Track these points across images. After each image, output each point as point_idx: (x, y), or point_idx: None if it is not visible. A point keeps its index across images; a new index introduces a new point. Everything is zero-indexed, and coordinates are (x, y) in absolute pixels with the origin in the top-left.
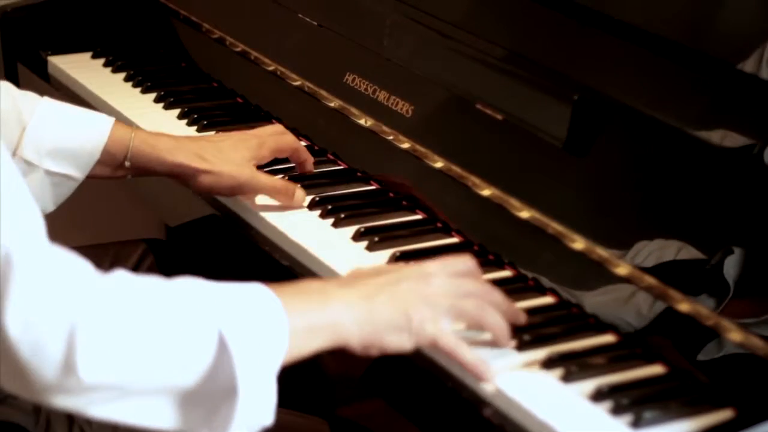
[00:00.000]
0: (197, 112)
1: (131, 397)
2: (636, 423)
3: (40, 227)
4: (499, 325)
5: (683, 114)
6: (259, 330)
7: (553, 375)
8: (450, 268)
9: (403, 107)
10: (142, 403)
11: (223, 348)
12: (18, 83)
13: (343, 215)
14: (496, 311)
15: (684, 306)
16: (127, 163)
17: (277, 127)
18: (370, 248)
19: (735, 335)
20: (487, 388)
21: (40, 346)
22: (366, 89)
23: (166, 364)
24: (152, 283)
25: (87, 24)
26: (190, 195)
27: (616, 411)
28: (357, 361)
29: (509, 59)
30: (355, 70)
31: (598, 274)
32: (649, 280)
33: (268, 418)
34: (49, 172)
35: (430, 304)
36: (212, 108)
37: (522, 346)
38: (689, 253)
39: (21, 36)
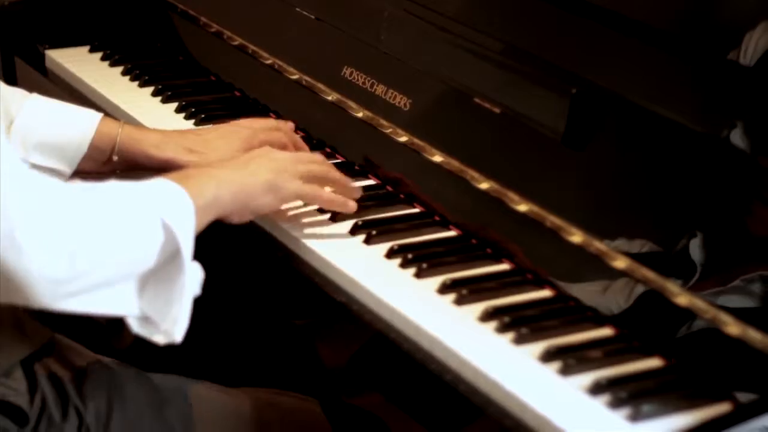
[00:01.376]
0: (195, 105)
1: (109, 288)
2: (634, 416)
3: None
4: (341, 182)
5: (681, 107)
6: (181, 212)
7: (551, 368)
8: (264, 123)
9: (401, 101)
10: (116, 293)
11: (167, 229)
12: (16, 77)
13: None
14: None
15: (682, 299)
16: (114, 158)
17: (269, 122)
18: (367, 241)
19: (733, 329)
20: (482, 380)
21: (43, 257)
22: (364, 83)
23: (134, 250)
24: (98, 187)
25: (85, 18)
26: None
27: (614, 404)
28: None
29: (507, 53)
30: (352, 64)
31: (596, 268)
32: (647, 273)
33: (199, 287)
34: (36, 166)
35: (285, 169)
36: (210, 101)
37: (520, 340)
38: (686, 243)
39: (19, 30)
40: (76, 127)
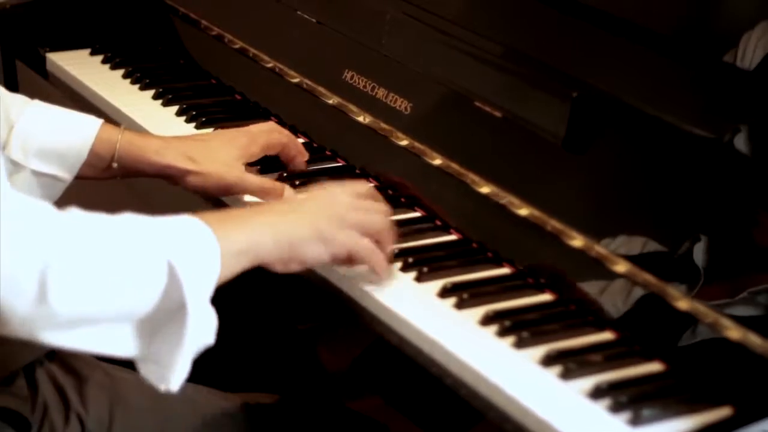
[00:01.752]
0: (196, 109)
1: (99, 326)
2: (634, 420)
3: (3, 178)
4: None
5: (682, 111)
6: (197, 256)
7: (552, 372)
8: (351, 188)
9: (402, 104)
10: (108, 333)
11: (173, 274)
12: (16, 80)
13: None
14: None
15: (683, 304)
16: (114, 165)
17: (269, 125)
18: None
19: (733, 333)
20: (483, 386)
21: (15, 284)
22: (364, 86)
23: (127, 292)
24: (104, 219)
25: (86, 21)
26: (184, 196)
27: (615, 408)
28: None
29: (508, 56)
30: (353, 67)
31: (597, 272)
32: (647, 277)
33: (211, 336)
34: (35, 173)
35: (339, 217)
36: (211, 105)
37: (520, 344)
38: (689, 248)
39: (19, 33)
40: (77, 133)
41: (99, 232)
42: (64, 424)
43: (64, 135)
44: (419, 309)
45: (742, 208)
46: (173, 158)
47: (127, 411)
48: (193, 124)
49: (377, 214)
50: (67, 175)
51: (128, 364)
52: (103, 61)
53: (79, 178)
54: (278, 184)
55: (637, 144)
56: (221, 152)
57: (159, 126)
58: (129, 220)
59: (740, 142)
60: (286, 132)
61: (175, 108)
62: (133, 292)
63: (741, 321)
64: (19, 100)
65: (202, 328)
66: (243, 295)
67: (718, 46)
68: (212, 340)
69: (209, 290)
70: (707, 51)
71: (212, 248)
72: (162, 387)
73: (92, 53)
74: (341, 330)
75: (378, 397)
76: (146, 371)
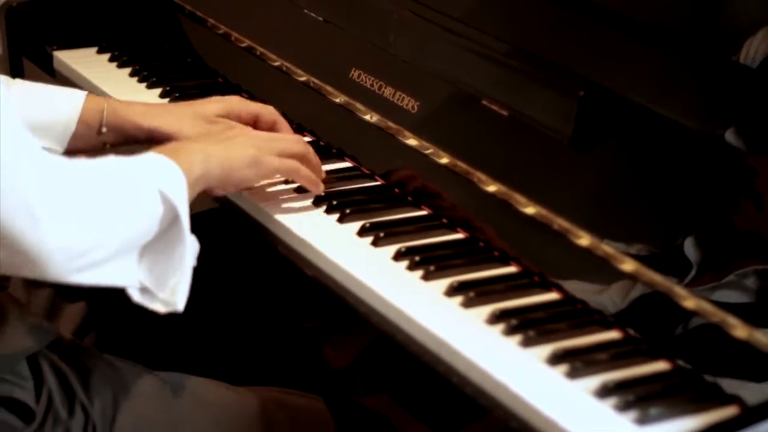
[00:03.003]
0: None
1: (109, 262)
2: (641, 419)
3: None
4: (315, 163)
5: (689, 111)
6: (176, 184)
7: (559, 371)
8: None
9: (409, 103)
10: (119, 265)
11: (165, 200)
12: (23, 78)
13: (348, 210)
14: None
15: (689, 302)
16: (103, 129)
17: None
18: (375, 243)
19: (740, 332)
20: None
21: (60, 226)
22: (372, 85)
23: (129, 222)
24: (88, 161)
25: (93, 19)
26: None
27: (622, 407)
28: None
29: (515, 55)
30: (360, 66)
31: (604, 270)
32: (654, 275)
33: (195, 256)
34: None
35: (265, 146)
36: None
37: (527, 342)
38: (697, 246)
39: (26, 30)
40: (63, 105)
41: (103, 175)
42: (68, 415)
43: (51, 108)
44: (426, 307)
45: (730, 197)
46: (160, 121)
47: (131, 402)
48: None
49: (293, 141)
50: (58, 147)
51: (133, 355)
52: (110, 60)
53: (71, 151)
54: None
55: (644, 143)
56: (180, 110)
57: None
58: (115, 161)
59: (737, 137)
60: (243, 103)
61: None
62: (141, 222)
63: (733, 308)
64: (2, 80)
65: (193, 248)
66: (249, 291)
67: (725, 45)
68: (195, 263)
69: (188, 213)
70: (715, 50)
71: (181, 177)
72: (166, 309)
73: (99, 51)
74: (345, 329)
75: (384, 396)
76: (146, 300)
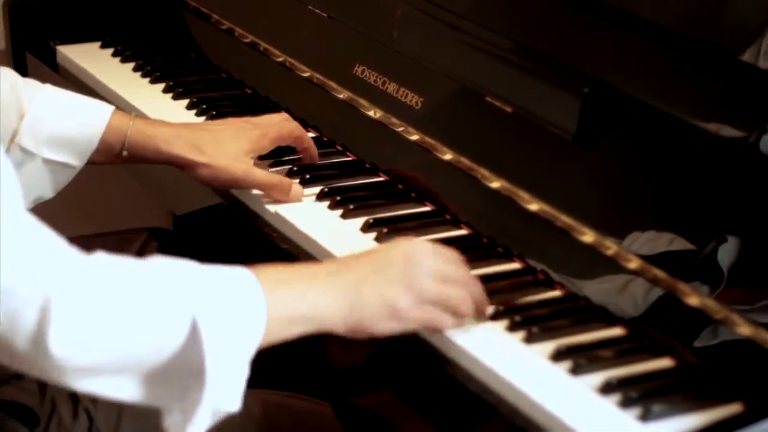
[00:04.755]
0: (206, 102)
1: (102, 375)
2: (644, 416)
3: (18, 200)
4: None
5: (693, 107)
6: (234, 316)
7: (562, 367)
8: (437, 250)
9: (413, 99)
10: (113, 380)
11: (194, 333)
12: (26, 73)
13: (352, 206)
14: (472, 303)
15: (693, 299)
16: (124, 153)
17: (280, 116)
18: (379, 239)
19: (743, 329)
20: (494, 380)
21: (15, 315)
22: (375, 81)
23: (136, 346)
24: (130, 264)
25: (96, 13)
26: (197, 184)
27: (625, 404)
28: (359, 350)
29: (519, 52)
30: (364, 62)
31: (607, 267)
32: (658, 273)
33: (235, 405)
34: (46, 161)
35: (418, 290)
36: (221, 99)
37: (531, 339)
38: (700, 245)
39: (30, 25)
40: (88, 120)
41: (117, 276)
42: (72, 419)
43: (75, 122)
44: None
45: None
46: (181, 148)
47: (136, 407)
48: (204, 118)
49: (461, 286)
50: (77, 163)
51: None
52: (114, 54)
53: (88, 163)
54: (286, 180)
55: (648, 140)
56: (230, 145)
57: (169, 119)
58: (164, 265)
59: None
60: (296, 123)
61: (185, 101)
62: (142, 346)
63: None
64: (31, 85)
65: (222, 397)
66: None
67: (732, 43)
68: (236, 408)
69: (243, 357)
70: (720, 47)
71: (257, 309)
72: None
73: (102, 46)
74: None
75: (386, 393)
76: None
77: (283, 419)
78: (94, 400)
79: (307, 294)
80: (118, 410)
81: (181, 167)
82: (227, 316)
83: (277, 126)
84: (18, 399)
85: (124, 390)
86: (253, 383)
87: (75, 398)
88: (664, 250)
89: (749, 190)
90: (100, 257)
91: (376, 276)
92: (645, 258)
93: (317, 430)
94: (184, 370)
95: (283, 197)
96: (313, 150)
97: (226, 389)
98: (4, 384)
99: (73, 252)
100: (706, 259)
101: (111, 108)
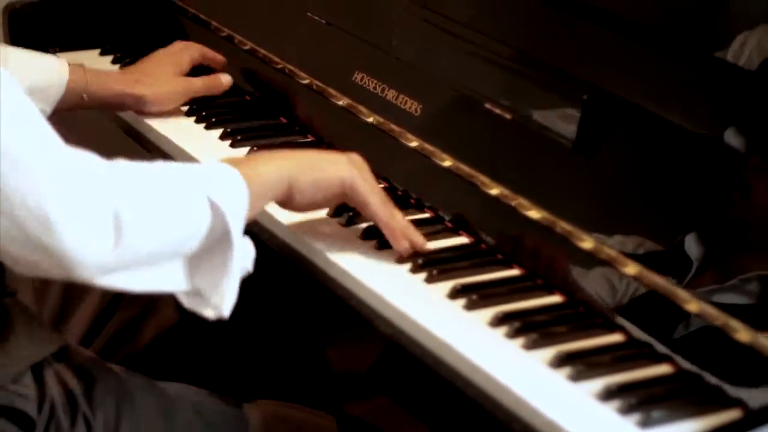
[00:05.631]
0: (204, 109)
1: (155, 267)
2: (644, 422)
3: (54, 134)
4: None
5: (693, 114)
6: (229, 187)
7: (562, 374)
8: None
9: (412, 106)
10: (163, 270)
11: (215, 207)
12: None
13: (351, 214)
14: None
15: (692, 306)
16: (84, 96)
17: (179, 44)
18: (378, 246)
19: (743, 335)
20: (491, 386)
21: (93, 232)
22: (375, 88)
23: (180, 229)
24: (148, 165)
25: (95, 21)
26: None
27: (625, 410)
28: (361, 358)
29: (518, 59)
30: (363, 69)
31: (607, 274)
32: (657, 279)
33: (250, 263)
34: None
35: (363, 175)
36: (219, 105)
37: (530, 345)
38: (700, 251)
39: (29, 32)
40: (54, 70)
41: (149, 177)
42: (70, 426)
43: (44, 73)
44: (429, 310)
45: (737, 200)
46: (124, 84)
47: (134, 413)
48: (203, 125)
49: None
50: (48, 109)
51: (137, 366)
52: (113, 62)
53: (53, 113)
54: (220, 75)
55: (648, 146)
56: (159, 71)
57: (167, 123)
58: (168, 166)
59: (751, 142)
60: (194, 45)
61: (185, 108)
62: (184, 229)
63: (733, 309)
64: None
65: (243, 254)
66: (253, 296)
67: (729, 48)
68: (251, 267)
69: (242, 220)
70: (718, 53)
71: (239, 184)
72: (214, 314)
73: (102, 53)
74: (346, 332)
75: (381, 399)
76: (197, 305)
77: (279, 429)
78: (93, 407)
79: (270, 163)
80: (117, 417)
81: (130, 105)
82: (226, 188)
83: (185, 50)
84: (15, 404)
85: (174, 278)
86: (252, 392)
87: (73, 404)
88: (663, 252)
89: (752, 197)
90: (126, 163)
91: (331, 156)
92: (644, 264)
93: None
94: (214, 247)
95: (221, 88)
96: (220, 58)
97: (244, 249)
98: (1, 389)
99: (110, 163)
100: (706, 263)
101: (64, 59)
